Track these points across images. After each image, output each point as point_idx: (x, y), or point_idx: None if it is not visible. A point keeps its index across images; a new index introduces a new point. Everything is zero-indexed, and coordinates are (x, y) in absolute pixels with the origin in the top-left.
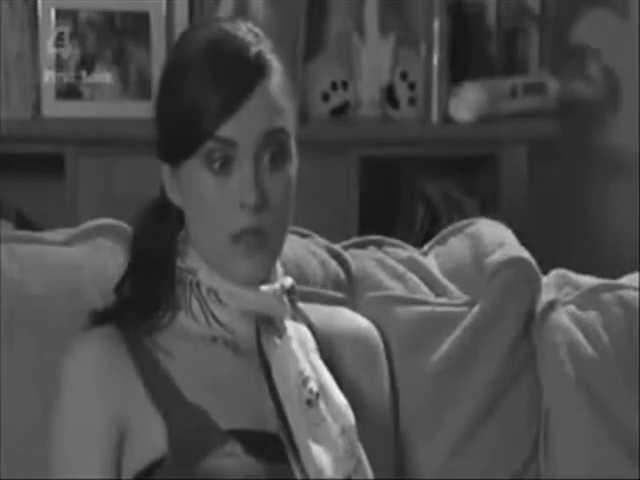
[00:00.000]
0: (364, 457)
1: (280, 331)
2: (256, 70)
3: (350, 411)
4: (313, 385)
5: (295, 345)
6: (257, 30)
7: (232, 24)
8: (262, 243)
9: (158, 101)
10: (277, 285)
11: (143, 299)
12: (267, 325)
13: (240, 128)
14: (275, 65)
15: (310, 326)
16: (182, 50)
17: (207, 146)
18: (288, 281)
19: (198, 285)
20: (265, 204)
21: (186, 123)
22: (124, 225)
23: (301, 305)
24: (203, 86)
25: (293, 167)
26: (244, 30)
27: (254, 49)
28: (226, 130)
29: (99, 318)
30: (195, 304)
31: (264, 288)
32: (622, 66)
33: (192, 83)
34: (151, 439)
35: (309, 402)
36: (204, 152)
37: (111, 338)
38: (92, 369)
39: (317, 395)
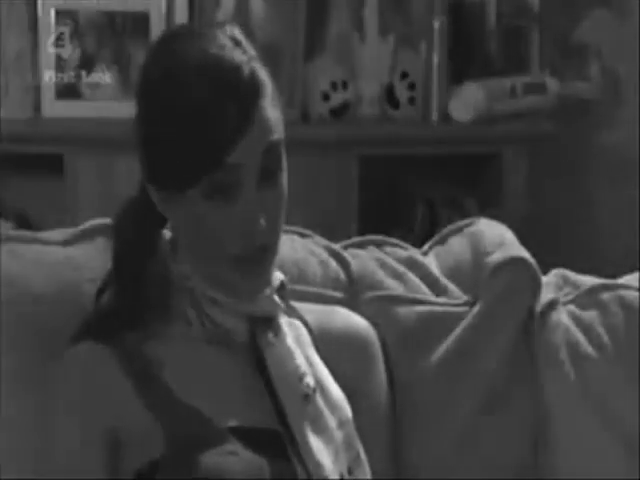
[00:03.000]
0: (362, 450)
1: (274, 328)
2: (253, 92)
3: (346, 404)
4: (310, 380)
5: (290, 341)
6: (239, 37)
7: (216, 42)
8: (264, 258)
9: (147, 128)
10: None
11: (130, 308)
12: (261, 323)
13: (246, 151)
14: (265, 78)
15: (305, 324)
16: (169, 75)
17: (212, 176)
18: (278, 277)
19: (191, 289)
20: (266, 222)
21: (192, 155)
22: None
23: (297, 305)
24: (206, 118)
25: (285, 174)
26: (230, 46)
27: (246, 69)
28: (234, 156)
29: (87, 331)
30: (189, 307)
31: None
32: (622, 66)
33: (193, 116)
34: (150, 443)
35: (306, 397)
36: (207, 183)
37: (100, 351)
38: (80, 387)
39: (314, 390)
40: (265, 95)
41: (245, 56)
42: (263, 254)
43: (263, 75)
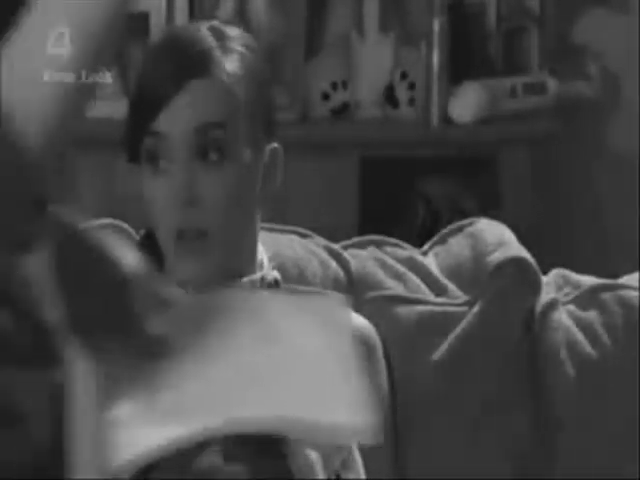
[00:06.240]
0: (355, 450)
1: None
2: (193, 66)
3: None
4: None
5: None
6: (221, 29)
7: (197, 24)
8: (204, 246)
9: None
10: (257, 277)
11: None
12: None
13: (169, 121)
14: (226, 67)
15: None
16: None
17: (146, 144)
18: (272, 274)
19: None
20: (196, 201)
21: (129, 120)
22: (124, 225)
23: None
24: (142, 83)
25: (239, 167)
26: (204, 29)
27: (199, 47)
28: (158, 124)
29: None
30: None
31: (242, 280)
32: (622, 66)
33: (136, 84)
34: None
35: None
36: (145, 151)
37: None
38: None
39: None
40: (213, 77)
41: (212, 37)
42: (203, 242)
43: (225, 62)
